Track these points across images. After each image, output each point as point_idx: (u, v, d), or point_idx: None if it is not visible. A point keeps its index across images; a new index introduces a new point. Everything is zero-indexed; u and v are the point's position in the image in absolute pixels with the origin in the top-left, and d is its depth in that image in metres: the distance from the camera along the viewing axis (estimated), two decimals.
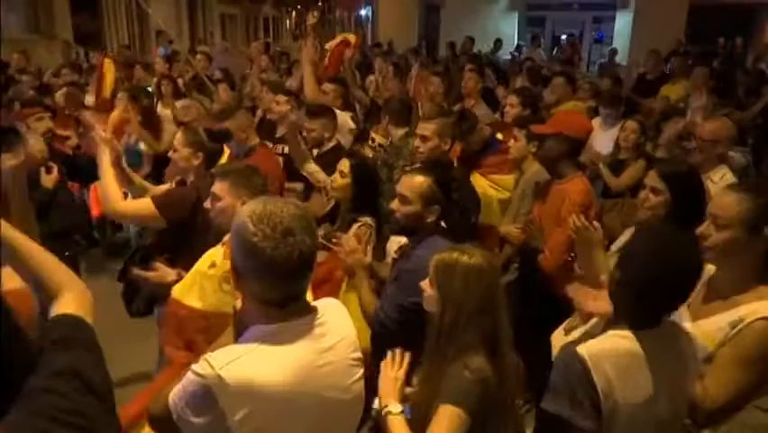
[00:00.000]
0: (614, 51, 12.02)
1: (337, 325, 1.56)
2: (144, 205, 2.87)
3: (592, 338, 1.74)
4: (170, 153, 3.19)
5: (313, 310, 1.52)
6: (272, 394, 1.38)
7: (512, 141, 3.65)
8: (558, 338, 2.44)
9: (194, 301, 2.24)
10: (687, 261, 1.66)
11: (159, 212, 2.80)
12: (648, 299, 1.64)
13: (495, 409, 1.79)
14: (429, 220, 2.44)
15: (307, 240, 1.40)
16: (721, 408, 1.76)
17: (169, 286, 2.39)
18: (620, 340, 1.66)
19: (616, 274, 1.73)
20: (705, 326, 1.87)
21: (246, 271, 1.41)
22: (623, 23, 16.28)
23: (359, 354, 1.59)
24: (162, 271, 2.54)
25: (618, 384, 1.62)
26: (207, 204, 2.50)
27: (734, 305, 1.84)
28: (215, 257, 2.26)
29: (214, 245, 2.35)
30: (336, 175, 3.10)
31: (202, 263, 2.29)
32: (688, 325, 1.91)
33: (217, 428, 1.36)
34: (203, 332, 2.16)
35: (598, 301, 1.92)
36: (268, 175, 3.78)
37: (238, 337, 1.51)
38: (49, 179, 3.46)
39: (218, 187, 2.44)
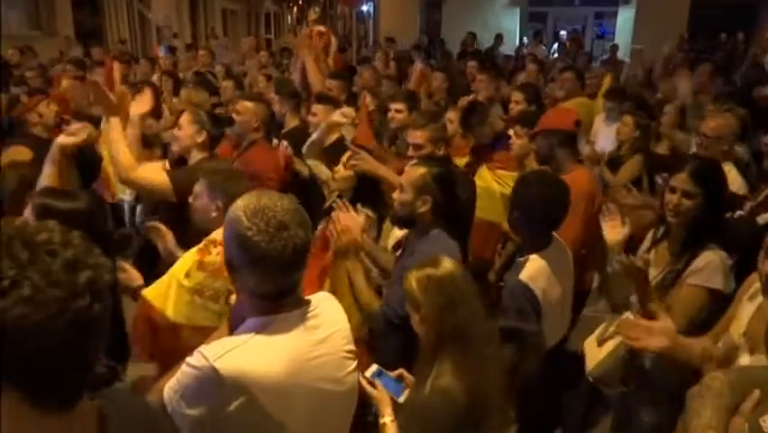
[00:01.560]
0: (615, 47, 11.95)
1: (330, 317, 1.57)
2: (159, 176, 2.86)
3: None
4: (174, 131, 3.21)
5: (306, 303, 1.53)
6: (267, 385, 1.38)
7: (514, 138, 3.64)
8: (590, 348, 2.43)
9: (165, 308, 2.09)
10: (563, 198, 2.48)
11: (171, 185, 2.79)
12: (544, 228, 2.50)
13: (463, 427, 1.79)
14: (421, 210, 2.44)
15: (301, 233, 1.41)
16: None
17: (135, 290, 2.26)
18: (538, 261, 2.42)
19: (515, 214, 2.51)
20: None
21: (241, 264, 1.42)
22: (625, 18, 16.25)
23: (352, 347, 1.61)
24: (129, 274, 2.36)
25: (548, 289, 2.41)
26: (191, 200, 2.45)
27: None
28: (190, 266, 2.13)
29: (197, 243, 2.23)
30: (339, 166, 3.08)
31: (179, 269, 2.15)
32: (746, 358, 1.78)
33: (212, 420, 1.37)
34: (171, 343, 2.03)
35: (653, 337, 1.84)
36: (261, 171, 3.67)
37: (233, 330, 1.52)
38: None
39: (197, 186, 2.41)
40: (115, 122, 2.98)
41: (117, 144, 2.94)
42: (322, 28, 5.76)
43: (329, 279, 2.55)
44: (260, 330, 1.43)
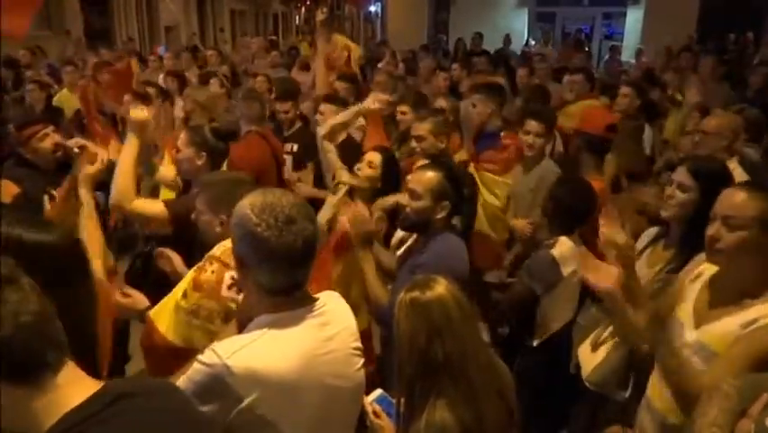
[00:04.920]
0: (615, 48, 11.88)
1: (338, 314, 1.59)
2: (157, 208, 2.69)
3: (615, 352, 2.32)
4: (175, 154, 3.02)
5: (314, 300, 1.54)
6: (278, 382, 1.40)
7: (532, 136, 3.49)
8: (585, 354, 2.43)
9: (164, 328, 2.05)
10: (592, 198, 2.82)
11: (168, 215, 2.63)
12: (574, 221, 2.78)
13: None
14: (439, 216, 2.40)
15: (309, 226, 1.43)
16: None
17: (142, 312, 2.17)
18: (568, 242, 2.72)
19: (550, 206, 2.83)
20: (713, 329, 1.80)
21: (251, 261, 1.43)
22: (634, 19, 16.18)
23: (359, 344, 1.62)
24: (134, 298, 2.26)
25: (570, 266, 2.70)
26: (194, 216, 2.33)
27: (745, 307, 1.75)
28: (187, 285, 2.07)
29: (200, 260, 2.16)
30: (364, 165, 3.03)
31: (178, 289, 2.10)
32: (693, 333, 1.84)
33: (223, 416, 1.38)
34: (168, 363, 1.95)
35: (602, 274, 1.93)
36: (235, 160, 3.33)
37: (241, 329, 1.53)
38: (54, 209, 2.80)
39: (199, 200, 2.30)
40: (132, 147, 2.71)
41: (125, 170, 2.66)
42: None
43: (341, 267, 2.56)
44: (271, 327, 1.44)
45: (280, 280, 1.44)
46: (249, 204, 1.43)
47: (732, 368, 1.66)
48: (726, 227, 1.76)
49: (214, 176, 2.52)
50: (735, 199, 1.78)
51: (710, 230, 1.81)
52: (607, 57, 11.41)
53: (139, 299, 2.24)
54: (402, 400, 1.75)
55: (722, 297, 1.83)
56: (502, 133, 4.00)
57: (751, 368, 1.66)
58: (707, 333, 1.80)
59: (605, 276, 1.92)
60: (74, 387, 1.08)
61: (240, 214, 1.43)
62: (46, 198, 2.81)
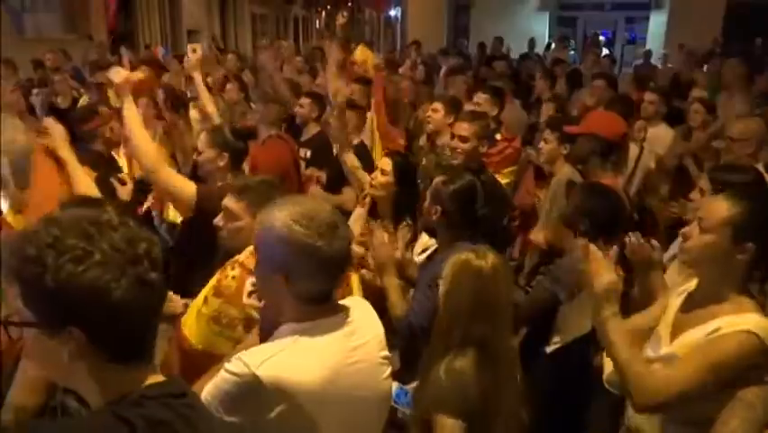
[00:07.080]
0: (648, 53, 11.77)
1: (366, 323, 1.56)
2: (187, 184, 2.66)
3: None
4: (195, 156, 3.06)
5: (342, 308, 1.52)
6: (306, 393, 1.38)
7: (542, 143, 3.62)
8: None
9: (188, 332, 2.03)
10: (613, 203, 2.61)
11: (196, 199, 2.60)
12: (597, 228, 2.45)
13: (476, 416, 1.76)
14: (434, 219, 2.46)
15: (348, 230, 1.45)
16: (662, 403, 1.69)
17: (179, 317, 2.15)
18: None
19: (570, 213, 2.59)
20: (683, 340, 1.79)
21: (300, 273, 1.40)
22: (657, 23, 16.02)
23: (387, 352, 1.60)
24: (172, 304, 2.24)
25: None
26: (218, 221, 2.25)
27: (711, 316, 1.74)
28: (208, 291, 2.04)
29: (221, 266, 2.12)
30: (377, 173, 3.01)
31: (201, 295, 2.06)
32: (665, 348, 1.83)
33: (252, 426, 1.37)
34: (189, 367, 1.92)
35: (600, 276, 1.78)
36: (255, 166, 3.59)
37: (266, 337, 1.51)
38: (125, 191, 3.20)
39: (236, 206, 2.20)
40: (132, 107, 2.66)
41: (138, 132, 2.62)
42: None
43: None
44: (299, 337, 1.43)
45: (323, 288, 1.44)
46: (289, 216, 1.39)
47: (686, 371, 1.66)
48: (699, 228, 1.76)
49: (248, 180, 2.45)
50: (713, 204, 1.79)
51: (685, 228, 1.83)
52: (641, 61, 11.24)
53: (177, 303, 2.21)
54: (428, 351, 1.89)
55: (694, 307, 1.83)
56: (498, 136, 4.13)
57: (706, 374, 1.64)
58: (677, 344, 1.80)
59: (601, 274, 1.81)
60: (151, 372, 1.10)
61: (282, 227, 1.39)
62: (115, 181, 3.21)
